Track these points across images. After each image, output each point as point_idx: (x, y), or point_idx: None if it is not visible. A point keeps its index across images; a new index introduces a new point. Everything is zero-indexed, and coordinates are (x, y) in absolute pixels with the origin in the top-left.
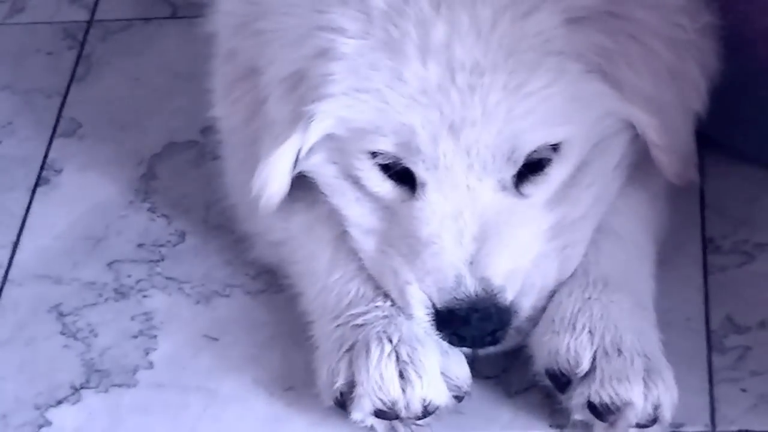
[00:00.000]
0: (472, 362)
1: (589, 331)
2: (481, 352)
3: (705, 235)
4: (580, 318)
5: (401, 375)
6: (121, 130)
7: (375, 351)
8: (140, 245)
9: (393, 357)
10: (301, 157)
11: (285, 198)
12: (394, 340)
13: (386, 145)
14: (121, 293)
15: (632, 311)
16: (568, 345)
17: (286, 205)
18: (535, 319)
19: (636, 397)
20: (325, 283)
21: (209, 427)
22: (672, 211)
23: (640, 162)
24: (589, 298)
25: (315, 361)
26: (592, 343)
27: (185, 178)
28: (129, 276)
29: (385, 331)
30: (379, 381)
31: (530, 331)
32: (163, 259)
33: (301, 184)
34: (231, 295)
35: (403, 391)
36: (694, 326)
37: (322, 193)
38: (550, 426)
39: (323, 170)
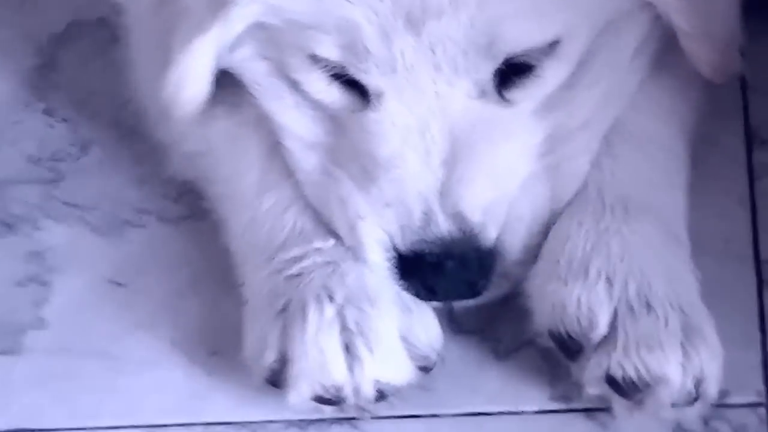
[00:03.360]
0: (449, 315)
1: (607, 279)
2: (458, 305)
3: (749, 127)
4: (594, 259)
5: (347, 348)
6: (13, 11)
7: (313, 316)
8: (33, 160)
9: (336, 324)
10: (223, 50)
11: (205, 102)
12: (338, 299)
13: (328, 49)
14: (6, 225)
15: (663, 245)
16: (578, 299)
17: (205, 108)
18: (527, 262)
19: (672, 370)
20: (253, 213)
21: (115, 402)
22: (708, 99)
23: (667, 46)
24: (606, 230)
25: (243, 320)
26: (611, 296)
27: (92, 69)
28: (17, 202)
29: (326, 286)
30: (318, 358)
31: (523, 275)
32: (61, 179)
33: (225, 84)
34: (145, 224)
35: (350, 370)
36: (736, 252)
37: (251, 95)
38: (551, 398)
39: (252, 67)
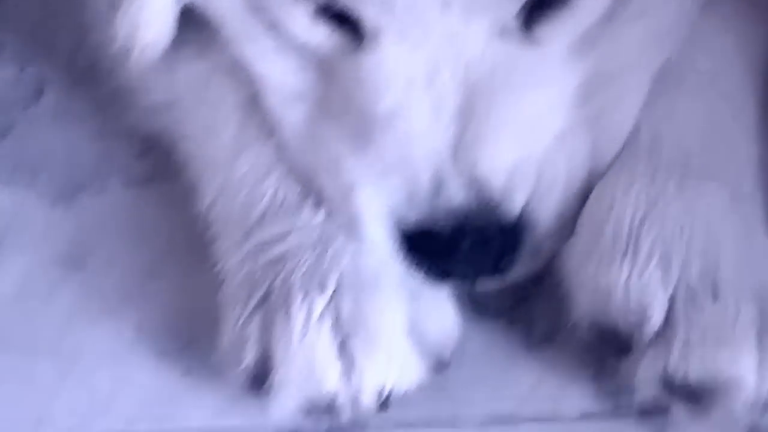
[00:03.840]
0: (469, 298)
1: (663, 257)
2: (479, 286)
3: None
4: (646, 232)
5: (342, 348)
6: None
7: (298, 310)
8: None
9: (327, 319)
10: None
11: (170, 43)
12: (329, 287)
13: None
14: None
15: (733, 211)
16: (626, 283)
17: (170, 51)
18: (562, 234)
19: (745, 371)
20: (227, 178)
21: (68, 407)
22: None
23: None
24: (661, 194)
25: (220, 308)
26: (667, 280)
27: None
28: None
29: (314, 272)
30: (305, 363)
31: (557, 249)
32: (6, 134)
33: (193, 22)
34: (105, 188)
35: (346, 376)
36: None
37: (223, 36)
38: (596, 398)
39: (223, 3)
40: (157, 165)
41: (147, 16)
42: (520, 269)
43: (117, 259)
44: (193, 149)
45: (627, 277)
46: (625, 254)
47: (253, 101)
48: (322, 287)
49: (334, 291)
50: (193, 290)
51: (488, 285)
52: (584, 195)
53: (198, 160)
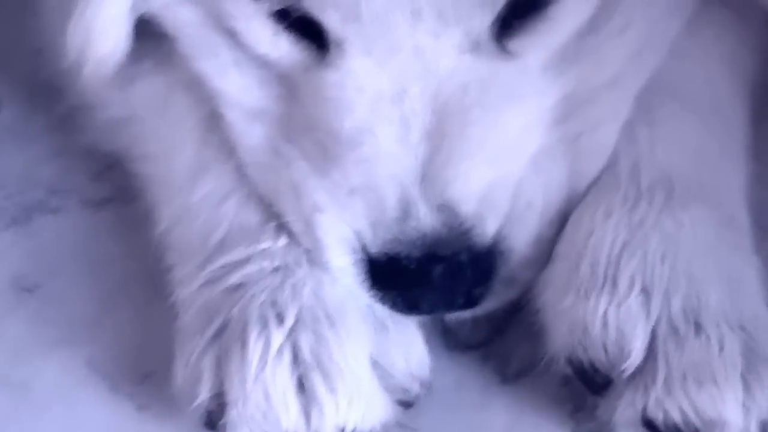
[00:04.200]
0: (441, 329)
1: (643, 289)
2: (451, 317)
3: None
4: (626, 262)
5: (302, 385)
6: None
7: (255, 344)
8: None
9: (286, 355)
10: None
11: (126, 57)
12: (289, 319)
13: None
14: None
15: (718, 240)
16: (605, 317)
17: (127, 65)
18: (538, 262)
19: (730, 411)
20: (185, 201)
21: None
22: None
23: None
24: (642, 222)
25: (175, 341)
26: (648, 313)
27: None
28: None
29: (273, 302)
30: (262, 402)
31: (533, 279)
32: None
33: (149, 36)
34: (60, 208)
35: (306, 416)
36: None
37: (181, 50)
38: None
39: (178, 14)
40: (116, 185)
41: (100, 26)
42: (494, 300)
43: (72, 285)
44: (151, 170)
45: (605, 309)
46: (603, 285)
47: (214, 118)
48: (280, 318)
49: (294, 323)
50: (149, 320)
51: (460, 317)
52: (562, 221)
53: (156, 182)
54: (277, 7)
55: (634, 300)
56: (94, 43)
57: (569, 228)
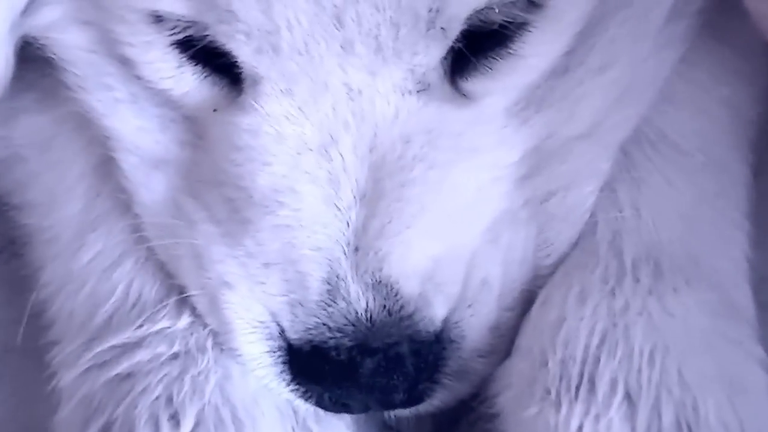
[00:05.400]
0: (380, 425)
1: (627, 395)
2: (390, 413)
3: None
4: (605, 360)
5: None
6: None
7: None
8: None
9: None
10: (16, 10)
11: (7, 88)
12: (187, 424)
13: (174, 2)
14: None
15: (715, 331)
16: (579, 430)
17: (9, 101)
18: (495, 351)
19: None
20: (70, 264)
21: None
22: None
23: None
24: (625, 308)
25: None
26: (633, 427)
27: None
28: None
29: (169, 399)
30: None
31: (489, 371)
32: None
33: (33, 65)
34: None
35: None
36: None
37: (69, 81)
38: None
39: (64, 38)
40: (4, 236)
41: None
42: (442, 396)
43: None
44: (34, 221)
45: (581, 422)
46: (578, 390)
47: (106, 165)
48: (176, 421)
49: (194, 427)
50: (26, 405)
51: (401, 413)
52: (526, 302)
53: (38, 237)
54: (180, 36)
55: (617, 411)
56: None
57: (535, 313)
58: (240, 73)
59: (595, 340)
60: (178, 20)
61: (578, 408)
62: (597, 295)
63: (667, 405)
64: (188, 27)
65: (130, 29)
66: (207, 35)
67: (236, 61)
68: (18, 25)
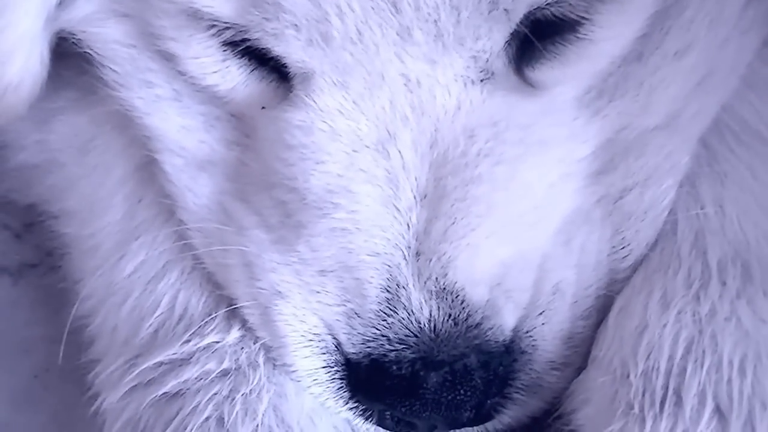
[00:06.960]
0: None
1: (717, 408)
2: None
3: None
4: (692, 370)
5: None
6: None
7: None
8: None
9: None
10: (55, 4)
11: (43, 87)
12: None
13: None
14: None
15: None
16: None
17: (45, 101)
18: (570, 363)
19: None
20: (111, 276)
21: None
22: None
23: None
24: (712, 314)
25: None
26: None
27: None
28: None
29: (220, 421)
30: None
31: (564, 384)
32: None
33: (70, 62)
34: None
35: None
36: None
37: (108, 80)
38: None
39: (103, 32)
40: (41, 248)
41: (7, 45)
42: (514, 413)
43: None
44: (72, 230)
45: None
46: (663, 403)
47: (148, 168)
48: None
49: None
50: (68, 427)
51: None
52: (602, 310)
53: (78, 247)
54: (224, 40)
55: (706, 426)
56: (5, 69)
57: (613, 320)
58: (288, 72)
59: (680, 350)
60: (216, 21)
61: (664, 424)
62: (680, 301)
63: (762, 419)
64: (228, 29)
65: (171, 23)
66: (246, 38)
67: (284, 63)
68: (53, 18)
